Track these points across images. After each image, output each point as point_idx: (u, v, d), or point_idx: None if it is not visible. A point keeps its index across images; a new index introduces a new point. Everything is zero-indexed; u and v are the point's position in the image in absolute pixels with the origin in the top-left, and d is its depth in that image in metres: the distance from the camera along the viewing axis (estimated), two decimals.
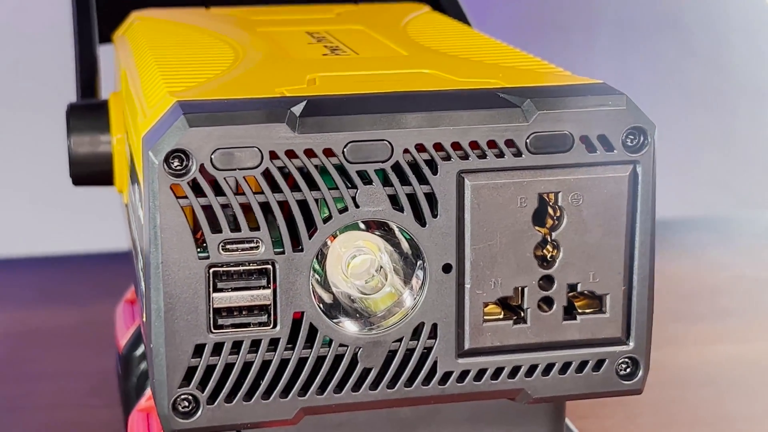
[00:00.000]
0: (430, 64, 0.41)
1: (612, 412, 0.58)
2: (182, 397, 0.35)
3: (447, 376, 0.36)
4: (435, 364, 0.36)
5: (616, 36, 0.88)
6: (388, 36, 0.47)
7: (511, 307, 0.37)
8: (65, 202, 0.79)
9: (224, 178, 0.34)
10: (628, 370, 0.38)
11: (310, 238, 0.35)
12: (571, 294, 0.37)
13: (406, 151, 0.35)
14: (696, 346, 0.66)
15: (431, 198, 0.35)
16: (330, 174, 0.34)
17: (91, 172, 0.49)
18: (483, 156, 0.35)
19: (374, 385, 0.36)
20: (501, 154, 0.35)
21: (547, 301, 0.37)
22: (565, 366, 0.37)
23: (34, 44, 0.80)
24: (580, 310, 0.37)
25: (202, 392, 0.35)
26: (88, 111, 0.50)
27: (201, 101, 0.35)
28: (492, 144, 0.35)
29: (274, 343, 0.35)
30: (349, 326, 0.36)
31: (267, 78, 0.39)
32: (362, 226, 0.36)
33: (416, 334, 0.36)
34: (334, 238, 0.35)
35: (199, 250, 0.34)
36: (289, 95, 0.36)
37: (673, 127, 0.90)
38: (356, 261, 0.36)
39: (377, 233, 0.36)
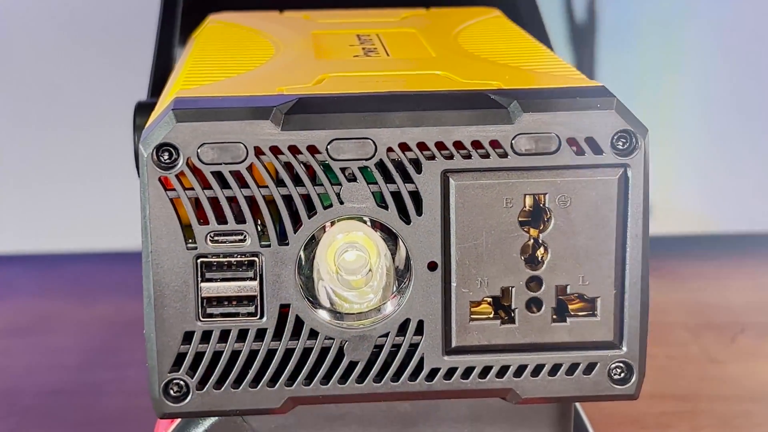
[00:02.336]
0: (447, 66, 0.41)
1: (677, 421, 0.58)
2: (173, 381, 0.36)
3: (434, 372, 0.37)
4: (422, 360, 0.37)
5: None
6: (433, 39, 0.48)
7: (503, 307, 0.37)
8: None
9: (211, 172, 0.35)
10: (623, 374, 0.37)
11: (295, 233, 0.36)
12: (565, 296, 0.37)
13: (390, 149, 0.35)
14: None
15: (416, 196, 0.36)
16: (315, 170, 0.35)
17: None
18: (468, 156, 0.36)
19: (361, 378, 0.37)
20: (486, 155, 0.36)
21: (537, 302, 0.37)
22: (555, 368, 0.37)
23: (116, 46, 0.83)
24: (572, 313, 0.37)
25: (192, 378, 0.36)
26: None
27: (197, 98, 0.36)
28: (477, 144, 0.36)
29: (261, 333, 0.36)
30: (336, 319, 0.37)
31: (280, 77, 0.40)
32: (367, 221, 0.37)
33: (403, 330, 0.37)
34: (333, 224, 0.36)
35: (190, 240, 0.36)
36: (287, 93, 0.37)
37: None
38: (349, 256, 0.37)
39: (379, 233, 0.37)
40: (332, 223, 0.36)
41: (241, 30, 0.52)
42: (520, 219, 0.37)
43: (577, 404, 0.46)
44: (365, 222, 0.36)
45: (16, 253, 0.84)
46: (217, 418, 0.39)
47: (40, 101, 0.85)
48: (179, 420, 0.40)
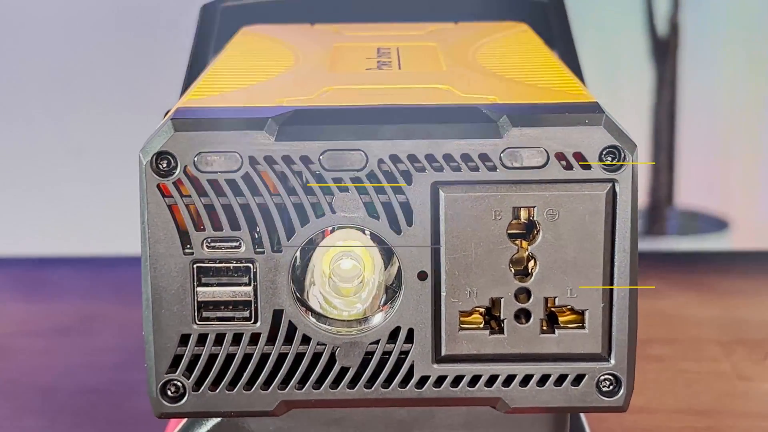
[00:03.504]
0: (453, 79, 0.42)
1: None
2: (170, 382, 0.38)
3: (424, 380, 0.38)
4: (412, 367, 0.38)
5: None
6: (451, 53, 0.49)
7: (494, 317, 0.38)
8: None
9: (207, 180, 0.36)
10: (611, 387, 0.38)
11: (288, 240, 0.37)
12: (556, 308, 0.38)
13: (381, 161, 0.36)
14: None
15: (407, 207, 0.37)
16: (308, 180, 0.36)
17: None
18: (458, 169, 0.36)
19: (352, 383, 0.38)
20: (476, 168, 0.36)
21: (526, 314, 0.37)
22: (544, 378, 0.38)
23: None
24: (563, 325, 0.38)
25: (188, 379, 0.38)
26: None
27: (197, 108, 0.38)
28: (466, 157, 0.36)
29: (255, 337, 0.37)
30: (328, 326, 0.37)
31: (286, 88, 0.41)
32: (367, 233, 0.37)
33: (393, 337, 0.38)
34: (331, 231, 0.37)
35: (187, 246, 0.37)
36: (286, 104, 0.38)
37: None
38: (345, 264, 0.38)
39: (378, 246, 0.37)
40: (332, 230, 0.37)
41: (266, 42, 0.53)
42: (515, 231, 0.37)
43: (582, 414, 0.47)
44: (365, 233, 0.37)
45: (66, 255, 0.86)
46: (219, 419, 0.40)
47: (91, 107, 0.87)
48: (185, 420, 0.41)
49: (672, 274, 0.82)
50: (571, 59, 0.57)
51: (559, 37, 0.59)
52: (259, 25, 0.59)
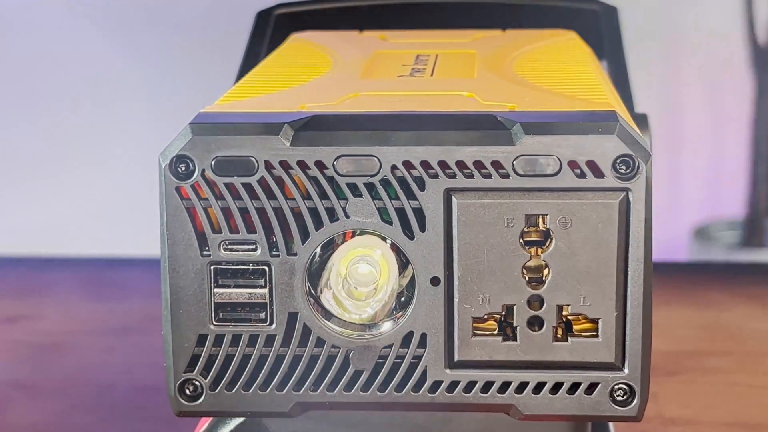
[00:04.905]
0: (479, 87, 0.42)
1: None
2: (188, 381, 0.38)
3: (437, 385, 0.38)
4: (425, 372, 0.38)
5: None
6: (487, 60, 0.49)
7: (509, 324, 0.38)
8: None
9: (224, 184, 0.37)
10: (625, 396, 0.38)
11: (303, 244, 0.37)
12: (571, 315, 0.38)
13: (394, 167, 0.37)
14: None
15: (420, 213, 0.37)
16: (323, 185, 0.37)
17: None
18: (471, 175, 0.37)
19: (366, 387, 0.38)
20: (488, 175, 0.37)
21: (539, 321, 0.38)
22: (557, 386, 0.38)
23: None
24: (577, 333, 0.38)
25: (205, 379, 0.38)
26: None
27: (218, 113, 0.38)
28: (479, 164, 0.37)
29: (270, 339, 0.38)
30: (342, 328, 0.38)
31: (312, 94, 0.42)
32: (388, 241, 0.38)
33: (407, 342, 0.38)
34: (353, 235, 0.38)
35: (205, 248, 0.38)
36: (306, 110, 0.38)
37: None
38: (362, 268, 0.38)
39: (395, 255, 0.38)
40: (353, 234, 0.38)
41: (310, 48, 0.54)
42: (534, 239, 0.37)
43: (611, 424, 0.47)
44: (387, 241, 0.38)
45: (134, 256, 0.88)
46: (243, 419, 0.41)
47: (176, 114, 0.88)
48: (210, 419, 0.42)
49: (736, 286, 0.81)
50: (619, 69, 0.57)
51: (609, 46, 0.59)
52: (309, 31, 0.59)
